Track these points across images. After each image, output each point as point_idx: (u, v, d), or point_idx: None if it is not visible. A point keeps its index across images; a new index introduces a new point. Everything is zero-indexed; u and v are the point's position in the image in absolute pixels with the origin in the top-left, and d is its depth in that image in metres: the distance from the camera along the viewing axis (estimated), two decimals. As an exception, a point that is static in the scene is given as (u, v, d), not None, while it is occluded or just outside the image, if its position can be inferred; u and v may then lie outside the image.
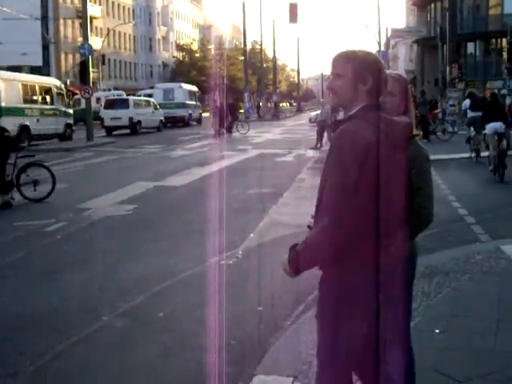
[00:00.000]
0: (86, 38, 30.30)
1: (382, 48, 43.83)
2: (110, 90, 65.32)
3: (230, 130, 35.51)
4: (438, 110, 30.82)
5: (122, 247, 8.74)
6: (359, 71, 2.83)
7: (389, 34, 72.32)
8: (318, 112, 46.75)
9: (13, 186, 12.53)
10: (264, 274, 7.20)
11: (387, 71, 3.26)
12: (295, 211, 11.08)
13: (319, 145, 24.43)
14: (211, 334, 5.13)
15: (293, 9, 39.06)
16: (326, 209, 2.74)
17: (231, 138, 32.90)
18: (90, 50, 30.12)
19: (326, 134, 24.82)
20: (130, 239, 9.22)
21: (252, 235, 9.16)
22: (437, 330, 5.14)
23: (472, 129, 18.59)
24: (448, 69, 31.21)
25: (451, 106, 30.57)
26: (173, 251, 8.47)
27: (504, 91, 31.86)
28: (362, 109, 2.80)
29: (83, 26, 30.96)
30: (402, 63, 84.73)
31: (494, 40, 57.06)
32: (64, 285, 7.02)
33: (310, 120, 46.83)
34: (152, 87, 60.30)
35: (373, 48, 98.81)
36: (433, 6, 61.33)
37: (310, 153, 23.10)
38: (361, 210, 2.67)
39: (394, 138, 2.81)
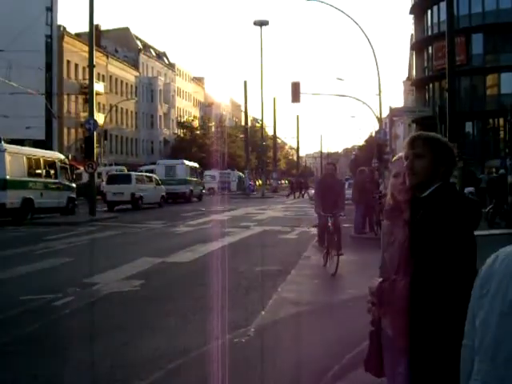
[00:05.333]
0: (91, 113, 30.67)
1: (383, 125, 44.23)
2: (111, 165, 65.81)
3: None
4: None
5: (132, 323, 8.65)
6: (440, 154, 3.04)
7: (387, 113, 73.32)
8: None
9: None
10: (278, 351, 7.14)
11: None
12: (304, 288, 11.05)
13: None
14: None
15: (295, 88, 39.39)
16: None
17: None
18: (95, 125, 30.46)
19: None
20: (139, 315, 9.15)
21: (263, 313, 9.09)
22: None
23: None
24: (448, 148, 31.50)
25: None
26: (183, 328, 8.39)
27: (502, 170, 32.13)
28: (441, 187, 2.99)
29: (89, 102, 31.38)
30: (401, 142, 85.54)
31: (491, 120, 57.91)
32: (76, 361, 6.90)
33: (311, 198, 46.97)
34: (153, 163, 60.93)
35: (372, 126, 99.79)
36: (431, 85, 62.45)
37: (313, 230, 23.08)
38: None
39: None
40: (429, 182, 3.01)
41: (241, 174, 77.91)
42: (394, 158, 3.59)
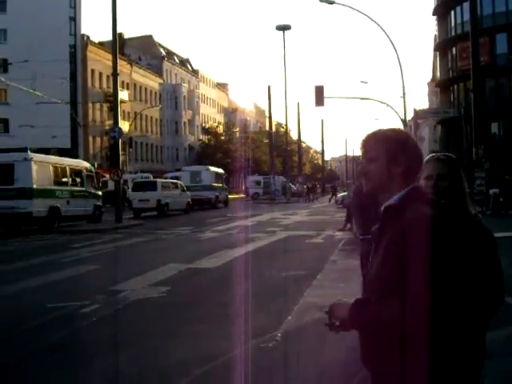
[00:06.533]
0: (116, 121, 30.87)
1: (408, 128, 43.93)
2: (136, 172, 66.18)
3: None
4: None
5: (159, 330, 8.66)
6: (395, 152, 2.66)
7: (412, 116, 72.97)
8: (345, 193, 47.01)
9: None
10: (304, 356, 7.10)
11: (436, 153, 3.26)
12: (330, 293, 10.96)
13: (348, 226, 24.31)
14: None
15: (319, 92, 39.27)
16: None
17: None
18: (120, 133, 30.67)
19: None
20: (166, 321, 9.15)
21: (290, 318, 9.06)
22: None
23: None
24: (474, 149, 31.19)
25: (478, 186, 30.38)
26: (210, 334, 8.38)
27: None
28: (410, 192, 2.64)
29: (114, 110, 31.59)
30: (427, 144, 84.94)
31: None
32: (104, 368, 6.93)
33: (337, 201, 46.88)
34: (178, 170, 61.27)
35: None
36: (456, 86, 61.96)
37: (339, 234, 23.04)
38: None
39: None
40: (385, 186, 2.67)
41: (284, 179, 78.23)
42: (426, 159, 3.35)
